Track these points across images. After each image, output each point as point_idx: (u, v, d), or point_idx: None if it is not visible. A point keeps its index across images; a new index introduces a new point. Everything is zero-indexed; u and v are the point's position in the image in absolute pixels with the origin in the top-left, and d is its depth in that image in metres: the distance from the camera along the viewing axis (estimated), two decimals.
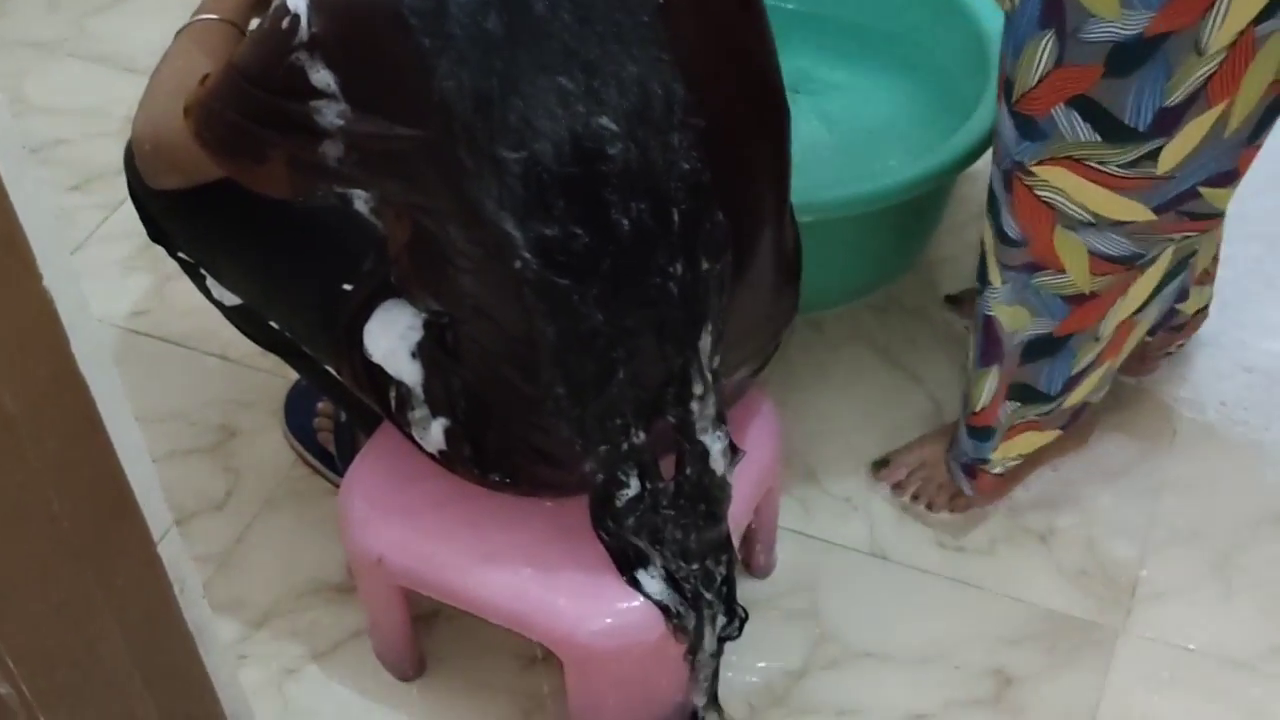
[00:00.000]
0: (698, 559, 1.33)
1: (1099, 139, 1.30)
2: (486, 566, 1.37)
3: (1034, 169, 1.36)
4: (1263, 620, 1.58)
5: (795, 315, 1.39)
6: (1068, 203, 1.37)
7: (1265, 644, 1.56)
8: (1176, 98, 1.26)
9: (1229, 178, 1.37)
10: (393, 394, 1.34)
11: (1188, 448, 1.75)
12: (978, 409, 1.58)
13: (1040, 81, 1.30)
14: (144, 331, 1.88)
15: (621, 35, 1.09)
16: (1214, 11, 1.20)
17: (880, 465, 1.72)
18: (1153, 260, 1.45)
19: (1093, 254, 1.41)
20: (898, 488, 1.69)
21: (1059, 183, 1.36)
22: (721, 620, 1.39)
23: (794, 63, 1.75)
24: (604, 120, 1.09)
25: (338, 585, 1.61)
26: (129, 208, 1.43)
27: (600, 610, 1.34)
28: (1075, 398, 1.58)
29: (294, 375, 1.62)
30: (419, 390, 1.31)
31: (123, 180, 1.40)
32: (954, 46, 1.83)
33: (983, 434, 1.60)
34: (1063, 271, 1.43)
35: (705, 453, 1.27)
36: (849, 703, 1.52)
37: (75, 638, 0.69)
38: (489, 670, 1.54)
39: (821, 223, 1.55)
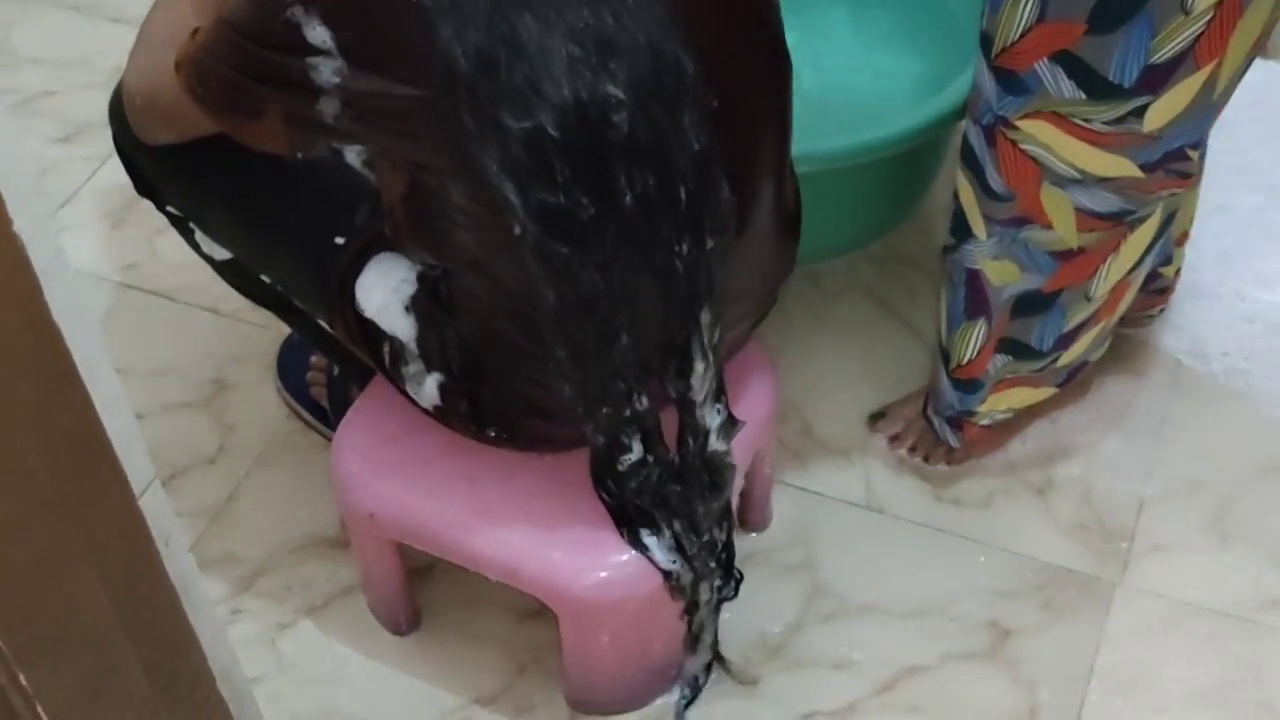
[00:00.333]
0: (702, 529, 1.32)
1: (1083, 96, 1.29)
2: (480, 521, 1.36)
3: (1017, 123, 1.35)
4: (1260, 572, 1.58)
5: (794, 269, 1.38)
6: (1054, 158, 1.36)
7: (1263, 596, 1.56)
8: (1162, 56, 1.25)
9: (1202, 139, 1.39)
10: (386, 349, 1.32)
11: (1187, 399, 1.74)
12: (964, 361, 1.57)
13: (1023, 36, 1.29)
14: (135, 285, 1.87)
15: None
16: None
17: (877, 418, 1.71)
18: (1143, 218, 1.44)
19: (1079, 210, 1.40)
20: (894, 440, 1.68)
21: (1044, 138, 1.34)
22: (718, 583, 1.39)
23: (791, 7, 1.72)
24: (611, 88, 1.06)
25: (332, 540, 1.61)
26: (119, 160, 1.41)
27: (595, 564, 1.34)
28: (1070, 355, 1.57)
29: (287, 329, 1.61)
30: (413, 345, 1.30)
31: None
32: None
33: (969, 386, 1.58)
34: (1050, 227, 1.42)
35: (705, 429, 1.27)
36: (845, 655, 1.52)
37: (54, 592, 0.68)
38: (483, 624, 1.54)
39: (819, 173, 1.53)
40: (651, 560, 1.32)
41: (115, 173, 1.45)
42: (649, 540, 1.32)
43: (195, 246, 1.46)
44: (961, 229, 1.49)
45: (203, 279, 1.53)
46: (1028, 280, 1.48)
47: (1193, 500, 1.64)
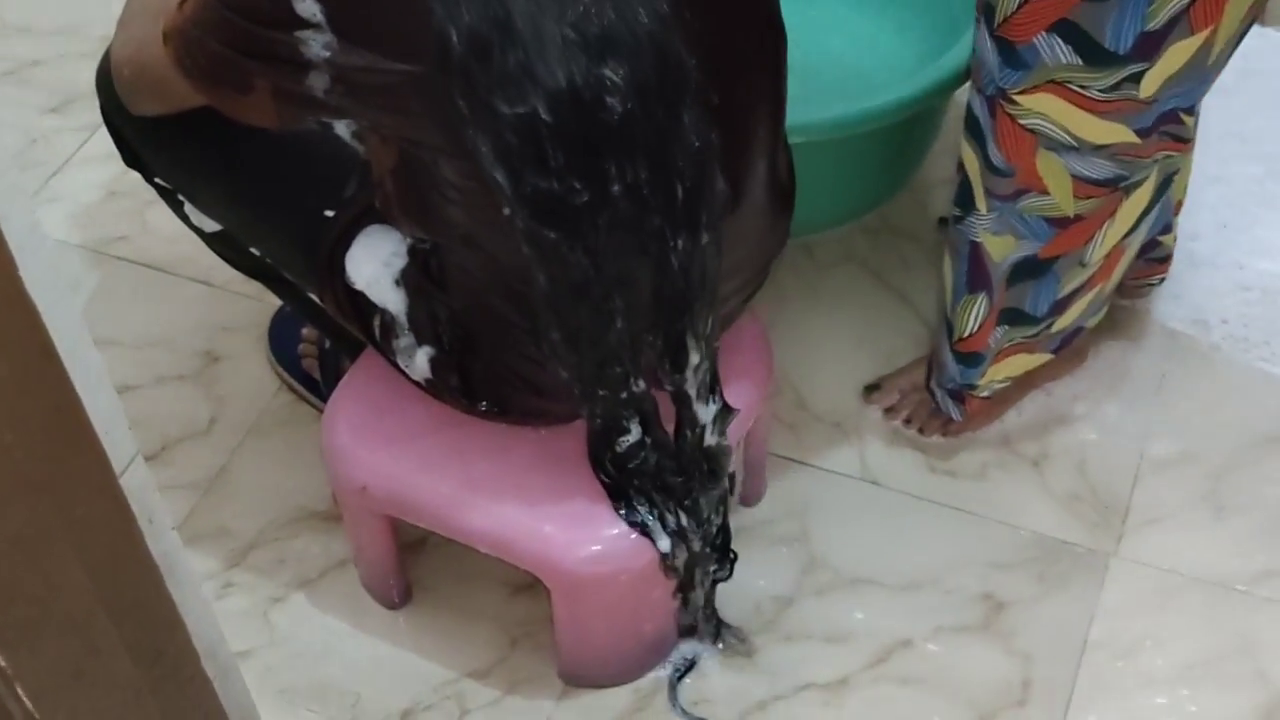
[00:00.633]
0: (701, 516, 1.32)
1: (1080, 62, 1.29)
2: (472, 495, 1.36)
3: (1017, 97, 1.34)
4: (1255, 543, 1.57)
5: (787, 242, 1.37)
6: (1051, 126, 1.35)
7: (1257, 567, 1.55)
8: (1158, 23, 1.25)
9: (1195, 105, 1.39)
10: (376, 322, 1.32)
11: (1185, 368, 1.73)
12: (965, 335, 1.56)
13: (1021, 7, 1.28)
14: (125, 257, 1.85)
15: None
16: None
17: (872, 389, 1.70)
18: (1138, 183, 1.43)
19: (1075, 178, 1.39)
20: (889, 412, 1.68)
21: (1042, 108, 1.34)
22: (714, 567, 1.39)
23: None
24: (606, 71, 1.05)
25: (324, 513, 1.60)
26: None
27: (587, 537, 1.33)
28: (1064, 321, 1.57)
29: (278, 300, 1.60)
30: (403, 319, 1.29)
31: None
32: None
33: (971, 360, 1.58)
34: (1046, 193, 1.41)
35: (702, 420, 1.27)
36: (839, 628, 1.51)
37: (32, 572, 0.68)
38: (476, 598, 1.53)
39: (814, 144, 1.52)
40: (641, 530, 1.31)
41: (105, 143, 1.44)
42: (647, 519, 1.31)
43: (185, 218, 1.45)
44: (966, 200, 1.48)
45: (194, 251, 1.52)
46: (1024, 247, 1.47)
47: (1188, 471, 1.64)
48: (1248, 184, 1.92)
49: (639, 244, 1.13)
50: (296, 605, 1.54)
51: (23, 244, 0.63)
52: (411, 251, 1.27)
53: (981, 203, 1.46)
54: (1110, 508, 1.60)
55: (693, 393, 1.24)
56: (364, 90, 1.08)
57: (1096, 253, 1.49)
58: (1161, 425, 1.68)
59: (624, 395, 1.22)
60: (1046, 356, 1.62)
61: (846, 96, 1.70)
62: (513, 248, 1.12)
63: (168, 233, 1.79)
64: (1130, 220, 1.48)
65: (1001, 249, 1.48)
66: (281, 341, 1.72)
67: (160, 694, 0.78)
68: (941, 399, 1.63)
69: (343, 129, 1.18)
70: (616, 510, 1.31)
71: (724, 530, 1.38)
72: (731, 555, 1.41)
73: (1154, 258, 1.69)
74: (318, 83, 1.08)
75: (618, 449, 1.26)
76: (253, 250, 1.42)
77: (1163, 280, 1.74)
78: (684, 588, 1.39)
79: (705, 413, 1.27)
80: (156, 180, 1.42)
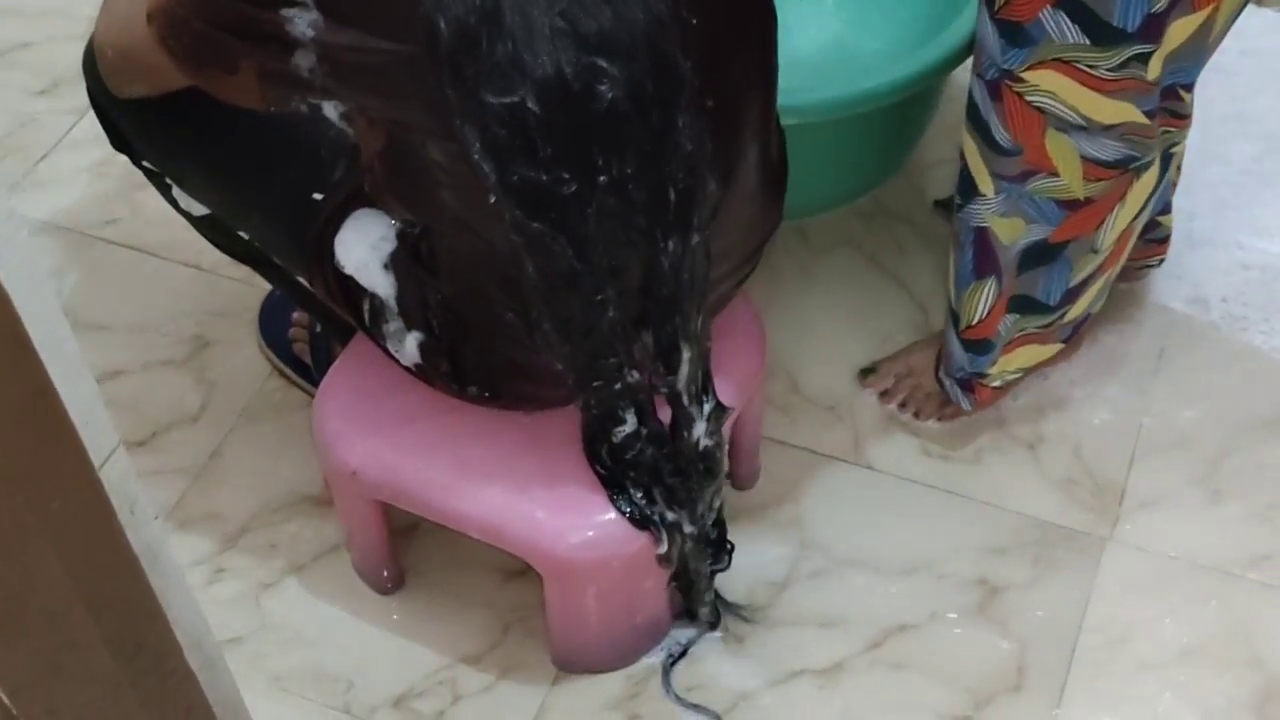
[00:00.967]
0: (697, 512, 1.32)
1: (1087, 41, 1.28)
2: (463, 480, 1.35)
3: (1023, 75, 1.33)
4: (1250, 527, 1.56)
5: (779, 225, 1.36)
6: (1059, 105, 1.34)
7: (1252, 551, 1.54)
8: (1163, 4, 1.24)
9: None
10: (366, 306, 1.31)
11: (1184, 348, 1.72)
12: (974, 322, 1.55)
13: None
14: (115, 241, 1.84)
15: None
16: None
17: (867, 373, 1.69)
18: (1148, 164, 1.43)
19: (1085, 159, 1.39)
20: (885, 396, 1.67)
21: (1049, 85, 1.33)
22: (710, 560, 1.38)
23: None
24: (596, 60, 1.03)
25: (316, 498, 1.59)
26: None
27: (579, 523, 1.32)
28: (1076, 310, 1.56)
29: (268, 285, 1.59)
30: (393, 303, 1.28)
31: None
32: None
33: (981, 347, 1.56)
34: (1056, 175, 1.40)
35: (695, 418, 1.26)
36: (832, 613, 1.51)
37: (8, 566, 0.67)
38: (468, 584, 1.53)
39: (807, 126, 1.51)
40: (636, 519, 1.31)
41: (95, 126, 1.43)
42: (643, 511, 1.30)
43: (173, 202, 1.44)
44: (968, 187, 1.47)
45: (184, 234, 1.51)
46: (1034, 231, 1.46)
47: (1185, 454, 1.63)
48: (1246, 163, 1.91)
49: (628, 237, 1.12)
50: (288, 591, 1.53)
51: None
52: (401, 235, 1.26)
53: (986, 186, 1.45)
54: (1106, 491, 1.60)
55: (686, 393, 1.23)
56: (350, 70, 1.07)
57: (1108, 238, 1.48)
58: (1157, 408, 1.67)
59: (618, 386, 1.21)
60: (1058, 346, 1.61)
61: (841, 78, 1.68)
62: (503, 233, 1.11)
63: (157, 216, 1.77)
64: (1139, 202, 1.47)
65: (1010, 231, 1.47)
66: (272, 326, 1.71)
67: (140, 687, 0.77)
68: (950, 388, 1.62)
69: (331, 111, 1.17)
70: (612, 502, 1.30)
71: (720, 523, 1.37)
72: (729, 546, 1.40)
73: (1153, 238, 1.68)
74: (303, 62, 1.07)
75: (613, 439, 1.26)
76: (241, 234, 1.41)
77: (1161, 262, 1.73)
78: (680, 578, 1.38)
79: (699, 412, 1.26)
80: (144, 164, 1.41)
